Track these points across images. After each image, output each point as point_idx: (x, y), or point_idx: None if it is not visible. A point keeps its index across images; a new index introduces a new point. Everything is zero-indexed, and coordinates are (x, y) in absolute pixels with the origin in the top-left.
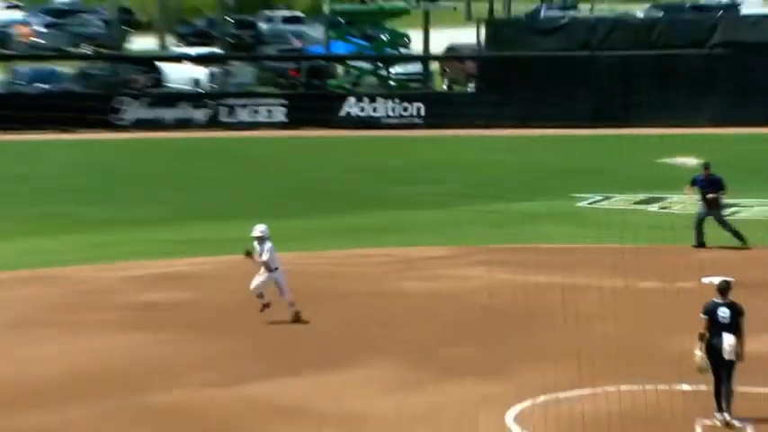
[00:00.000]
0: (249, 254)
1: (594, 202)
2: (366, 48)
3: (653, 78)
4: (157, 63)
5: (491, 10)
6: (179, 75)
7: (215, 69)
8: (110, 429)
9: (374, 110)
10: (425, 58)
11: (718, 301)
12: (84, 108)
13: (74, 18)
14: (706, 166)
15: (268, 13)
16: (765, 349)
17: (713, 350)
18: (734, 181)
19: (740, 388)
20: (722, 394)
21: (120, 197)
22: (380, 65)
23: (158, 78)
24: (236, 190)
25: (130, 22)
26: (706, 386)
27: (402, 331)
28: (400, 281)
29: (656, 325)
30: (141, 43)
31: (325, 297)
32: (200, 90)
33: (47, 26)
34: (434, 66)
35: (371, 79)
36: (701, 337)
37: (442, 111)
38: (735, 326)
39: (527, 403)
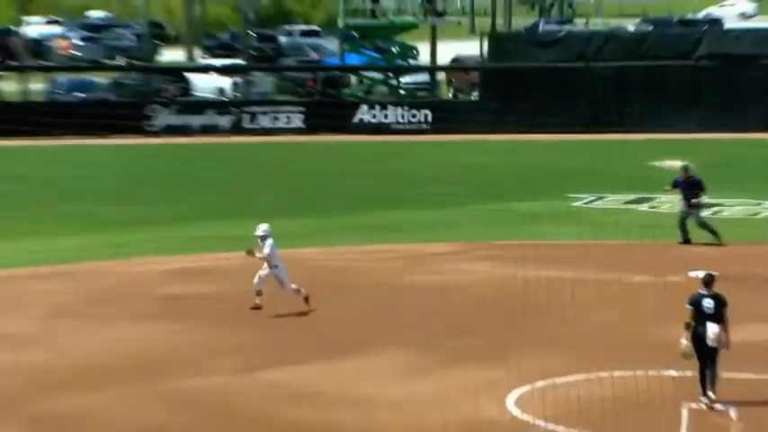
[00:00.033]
0: (251, 252)
1: (589, 201)
2: (378, 59)
3: (644, 87)
4: (185, 73)
5: (493, 24)
6: (205, 84)
7: (238, 79)
8: (142, 411)
9: (385, 116)
10: (432, 68)
11: (704, 292)
12: (117, 115)
13: (108, 32)
14: (686, 169)
15: (287, 27)
16: (749, 338)
17: (698, 338)
18: (717, 182)
19: (724, 374)
20: (707, 379)
21: (146, 197)
22: (391, 75)
23: (186, 88)
24: (257, 190)
25: (161, 35)
26: (692, 372)
27: (410, 321)
28: (409, 275)
29: (647, 315)
30: (170, 55)
31: (338, 289)
32: (224, 98)
33: (83, 40)
34: (441, 76)
35: (383, 88)
36: (687, 326)
37: (448, 117)
38: (718, 316)
39: (526, 388)
